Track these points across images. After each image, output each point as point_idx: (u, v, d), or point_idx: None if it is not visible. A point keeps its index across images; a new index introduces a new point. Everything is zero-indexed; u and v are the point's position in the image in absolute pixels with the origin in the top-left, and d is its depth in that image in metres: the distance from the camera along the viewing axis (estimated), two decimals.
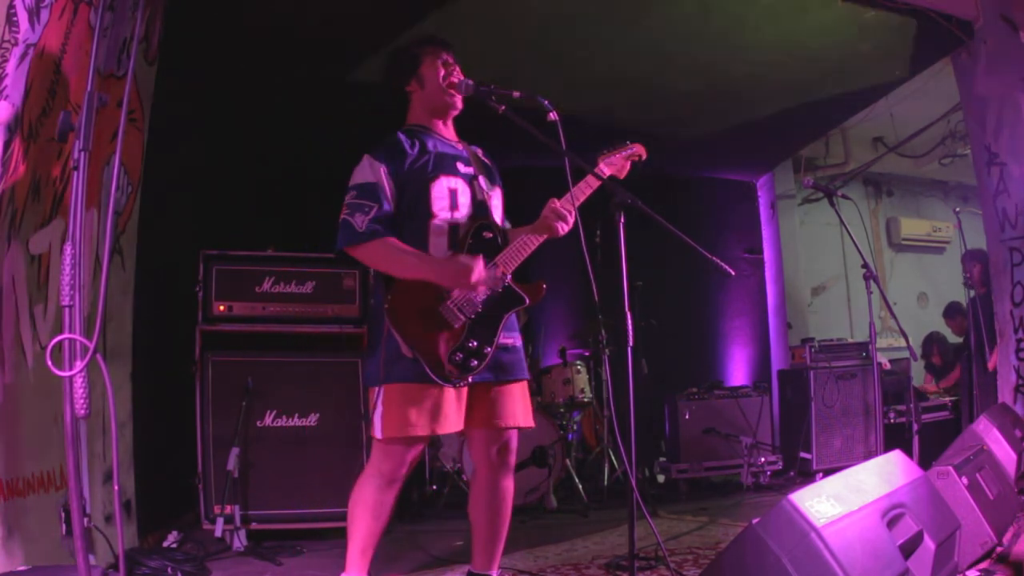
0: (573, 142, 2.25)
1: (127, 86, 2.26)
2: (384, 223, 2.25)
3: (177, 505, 3.84)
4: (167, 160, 3.57)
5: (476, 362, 2.26)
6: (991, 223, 4.48)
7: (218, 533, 3.37)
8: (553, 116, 2.27)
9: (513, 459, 2.46)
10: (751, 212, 7.09)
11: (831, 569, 1.84)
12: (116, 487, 2.83)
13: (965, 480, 2.71)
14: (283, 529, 3.54)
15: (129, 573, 2.72)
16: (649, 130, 5.55)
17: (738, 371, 6.69)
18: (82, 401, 1.67)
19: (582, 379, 4.86)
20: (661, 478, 5.31)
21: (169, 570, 2.84)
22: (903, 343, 3.73)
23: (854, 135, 6.92)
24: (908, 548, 2.12)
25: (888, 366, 5.61)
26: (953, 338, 6.34)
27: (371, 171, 2.28)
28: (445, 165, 2.37)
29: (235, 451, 3.40)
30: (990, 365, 4.65)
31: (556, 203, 2.39)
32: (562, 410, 4.86)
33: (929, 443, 4.06)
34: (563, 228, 2.37)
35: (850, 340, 5.57)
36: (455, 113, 2.48)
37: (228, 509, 3.38)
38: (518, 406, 2.39)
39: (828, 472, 3.95)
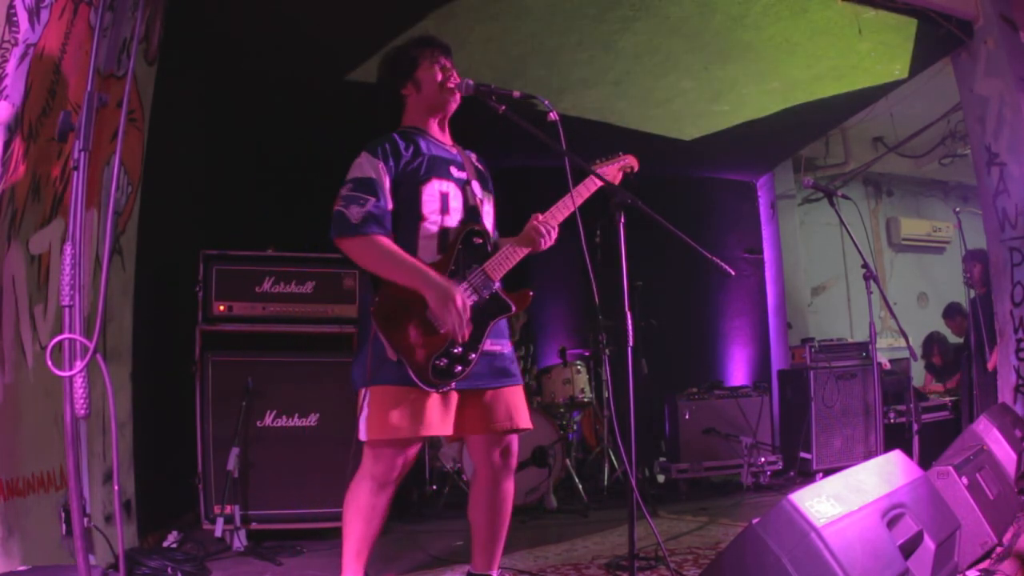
0: (573, 143, 2.25)
1: (127, 86, 2.26)
2: (379, 219, 2.23)
3: (177, 505, 3.84)
4: (167, 160, 3.57)
5: (460, 368, 2.25)
6: (991, 223, 4.48)
7: (218, 533, 3.37)
8: (553, 116, 2.27)
9: (515, 461, 2.45)
10: (751, 212, 7.09)
11: (831, 569, 1.84)
12: (116, 487, 2.83)
13: (965, 480, 2.71)
14: (283, 529, 3.54)
15: (129, 573, 2.72)
16: (649, 130, 5.57)
17: (738, 371, 6.69)
18: (82, 401, 1.67)
19: (582, 379, 4.86)
20: (661, 478, 5.31)
21: (169, 570, 2.84)
22: (903, 343, 3.73)
23: (854, 135, 6.92)
24: (908, 548, 2.12)
25: (888, 366, 5.61)
26: (953, 338, 6.34)
27: (370, 166, 2.27)
28: (438, 168, 2.36)
29: (235, 451, 3.40)
30: (990, 365, 4.65)
31: (539, 218, 2.40)
32: (562, 410, 4.86)
33: (929, 443, 4.06)
34: (545, 243, 2.38)
35: (850, 340, 5.57)
36: (452, 111, 2.47)
37: (228, 509, 3.38)
38: (516, 409, 2.39)
39: (828, 472, 3.95)
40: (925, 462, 2.89)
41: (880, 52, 4.64)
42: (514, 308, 2.37)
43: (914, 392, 5.02)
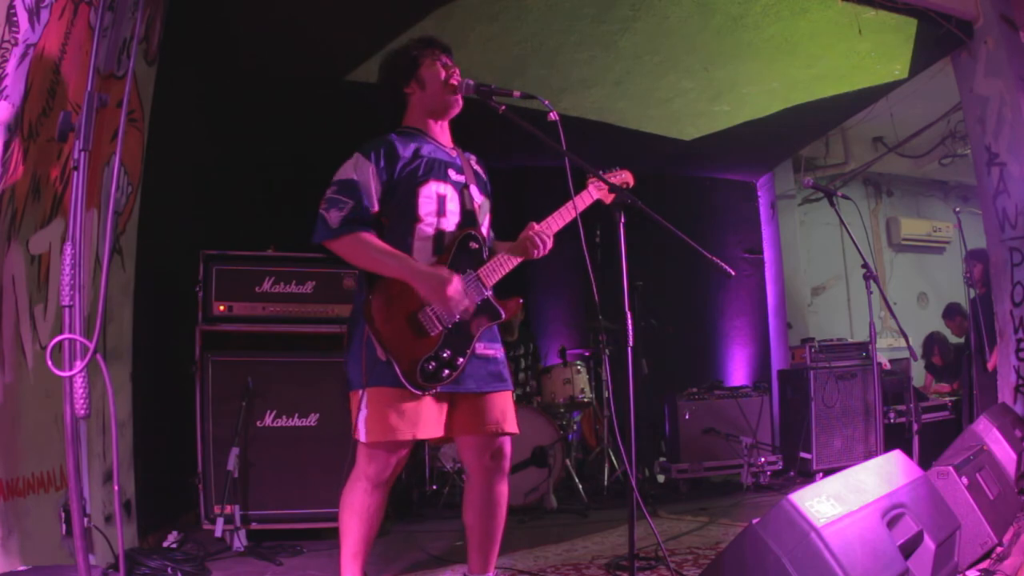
0: (573, 143, 2.25)
1: (127, 86, 2.26)
2: (358, 221, 2.24)
3: (177, 505, 3.84)
4: (167, 160, 3.57)
5: (448, 372, 2.25)
6: (991, 223, 4.48)
7: (218, 533, 3.37)
8: (553, 116, 2.27)
9: (507, 464, 2.46)
10: (751, 212, 7.10)
11: (831, 569, 1.84)
12: (116, 487, 2.82)
13: (965, 480, 2.71)
14: (283, 529, 3.54)
15: (129, 573, 2.72)
16: (649, 130, 5.57)
17: (738, 371, 6.69)
18: (82, 401, 1.67)
19: (582, 379, 4.86)
20: (661, 478, 5.31)
21: (169, 570, 2.84)
22: (903, 343, 3.73)
23: (854, 135, 6.93)
24: (908, 548, 2.12)
25: (888, 366, 5.61)
26: (953, 338, 6.34)
27: (355, 170, 2.28)
28: (436, 170, 2.35)
29: (235, 451, 3.40)
30: (990, 365, 4.65)
31: (535, 228, 2.40)
32: (562, 410, 4.86)
33: (929, 443, 4.06)
34: (539, 253, 2.39)
35: (850, 340, 5.57)
36: (454, 113, 2.47)
37: (228, 509, 3.38)
38: (505, 413, 2.39)
39: (828, 472, 3.96)
40: (925, 462, 2.89)
41: (880, 52, 4.64)
42: (504, 315, 2.37)
43: (914, 392, 5.02)
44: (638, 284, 4.58)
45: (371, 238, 2.25)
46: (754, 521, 2.00)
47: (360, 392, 2.25)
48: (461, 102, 2.44)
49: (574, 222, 2.43)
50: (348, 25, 3.98)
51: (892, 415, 5.02)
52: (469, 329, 2.31)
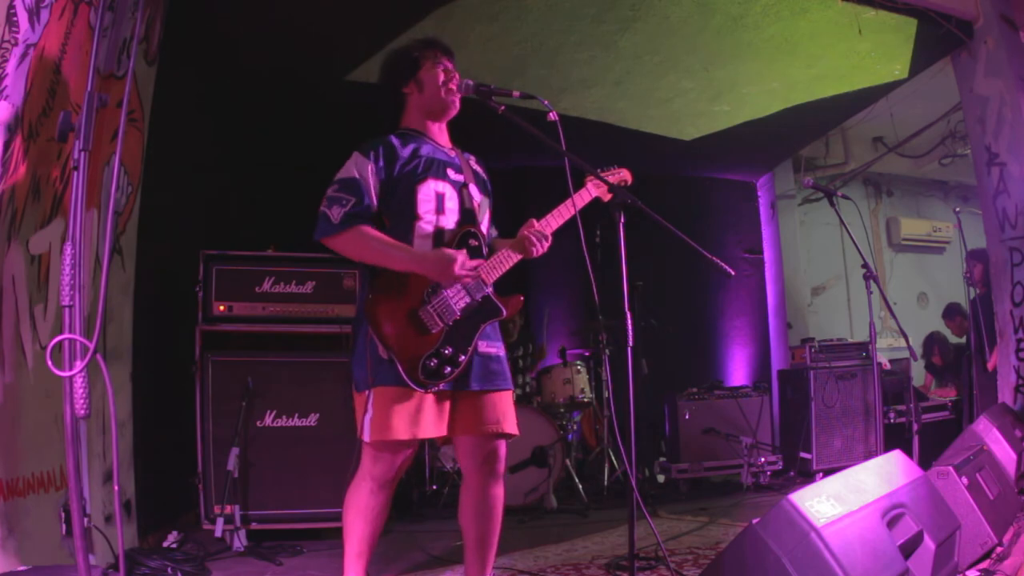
0: (573, 143, 2.25)
1: (127, 86, 2.26)
2: (360, 217, 2.25)
3: (177, 505, 3.84)
4: (167, 160, 3.57)
5: (450, 369, 2.26)
6: (991, 223, 4.48)
7: (218, 533, 3.37)
8: (553, 116, 2.27)
9: (502, 467, 2.45)
10: (751, 212, 7.10)
11: (831, 569, 1.84)
12: (116, 487, 2.83)
13: (965, 480, 2.71)
14: (283, 529, 3.54)
15: (129, 573, 2.72)
16: (649, 130, 5.57)
17: (738, 371, 6.69)
18: (82, 401, 1.67)
19: (582, 379, 4.86)
20: (661, 478, 5.31)
21: (169, 570, 2.84)
22: (903, 343, 3.73)
23: (854, 135, 6.92)
24: (908, 548, 2.12)
25: (888, 366, 5.61)
26: (953, 338, 6.34)
27: (356, 168, 2.29)
28: (435, 169, 2.36)
29: (235, 451, 3.40)
30: (990, 365, 4.65)
31: (535, 225, 2.40)
32: (562, 410, 4.86)
33: (929, 443, 4.06)
34: (538, 251, 2.38)
35: (850, 340, 5.57)
36: (452, 116, 2.48)
37: (228, 509, 3.38)
38: (504, 414, 2.39)
39: (828, 472, 3.96)
40: (925, 462, 2.89)
41: (880, 52, 4.64)
42: (505, 312, 2.37)
43: (914, 392, 5.02)
44: (638, 284, 4.58)
45: (373, 231, 2.26)
46: (754, 521, 2.00)
47: (367, 393, 2.25)
48: (458, 105, 2.45)
49: (574, 223, 2.43)
50: (348, 25, 3.98)
51: (892, 415, 5.02)
52: (470, 326, 2.31)
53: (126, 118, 3.00)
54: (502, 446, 2.43)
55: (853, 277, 7.12)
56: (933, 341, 6.40)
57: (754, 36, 4.38)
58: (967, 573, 2.54)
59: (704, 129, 5.67)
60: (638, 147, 5.74)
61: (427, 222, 2.32)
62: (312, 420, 3.60)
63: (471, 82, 2.39)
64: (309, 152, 5.02)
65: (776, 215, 6.98)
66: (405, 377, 2.19)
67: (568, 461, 4.54)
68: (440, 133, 2.48)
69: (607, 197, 2.45)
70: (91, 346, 1.64)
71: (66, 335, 1.66)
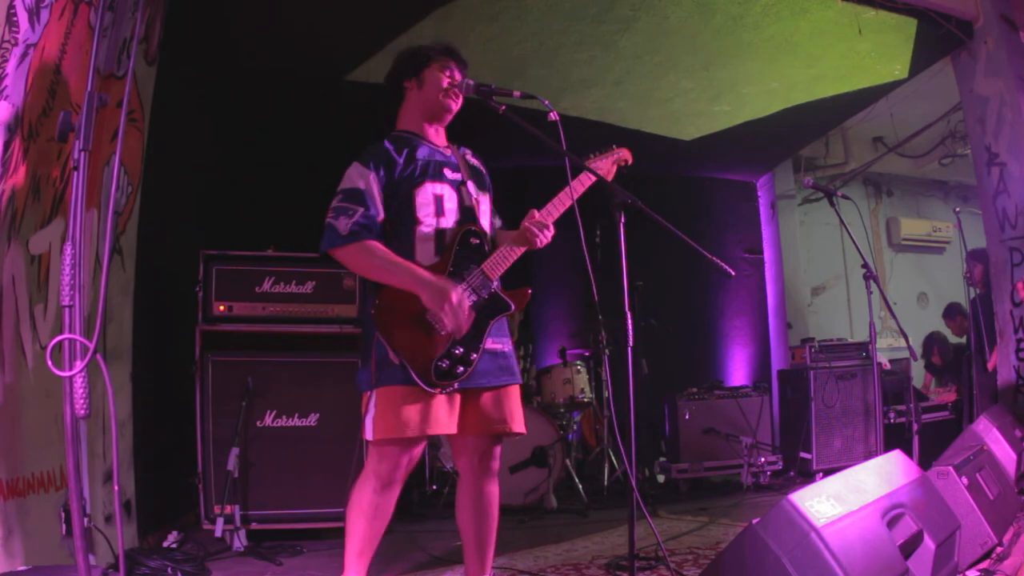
0: (573, 143, 2.25)
1: (127, 86, 2.26)
2: (367, 227, 2.26)
3: (177, 505, 3.84)
4: (167, 160, 3.57)
5: (462, 368, 2.26)
6: (991, 223, 4.48)
7: (218, 533, 3.37)
8: (553, 116, 2.27)
9: (497, 465, 2.46)
10: (751, 212, 7.09)
11: (831, 569, 1.84)
12: (116, 487, 2.83)
13: (965, 480, 2.71)
14: (283, 529, 3.54)
15: (129, 573, 2.72)
16: (649, 130, 5.57)
17: (738, 371, 6.69)
18: (82, 401, 1.67)
19: (582, 379, 4.86)
20: (661, 478, 5.31)
21: (169, 570, 2.84)
22: (903, 343, 3.73)
23: (854, 135, 6.93)
24: (908, 548, 2.12)
25: (888, 366, 5.61)
26: (953, 338, 6.34)
27: (359, 177, 2.29)
28: (432, 171, 2.36)
29: (235, 451, 3.40)
30: (990, 365, 4.66)
31: (536, 215, 2.39)
32: (562, 410, 4.86)
33: (929, 443, 4.06)
34: (542, 240, 2.37)
35: (850, 340, 5.57)
36: (447, 120, 2.48)
37: (228, 509, 3.38)
38: (510, 412, 2.39)
39: (828, 472, 3.95)
40: (925, 462, 2.89)
41: (880, 52, 4.64)
42: (513, 307, 2.38)
43: (914, 392, 5.02)
44: (638, 284, 4.58)
45: (377, 246, 2.27)
46: (754, 521, 2.00)
47: (369, 393, 2.26)
48: (454, 112, 2.45)
49: (575, 223, 2.43)
50: (348, 25, 3.98)
51: (892, 415, 5.02)
52: (479, 324, 2.31)
53: (126, 118, 3.00)
54: (498, 446, 2.44)
55: (853, 277, 7.12)
56: (933, 341, 6.40)
57: (754, 36, 4.38)
58: (967, 573, 2.53)
59: (704, 129, 5.67)
60: (638, 147, 5.64)
61: (427, 225, 2.33)
62: (312, 420, 3.60)
63: (471, 82, 2.39)
64: (309, 152, 5.03)
65: (776, 215, 6.98)
66: (418, 380, 2.20)
67: (568, 461, 4.55)
68: (437, 135, 2.49)
69: (610, 177, 2.46)
70: (91, 346, 1.64)
71: (66, 335, 1.66)
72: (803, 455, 5.08)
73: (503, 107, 2.33)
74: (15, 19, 2.14)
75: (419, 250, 2.32)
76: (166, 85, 3.47)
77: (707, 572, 2.28)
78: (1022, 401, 4.23)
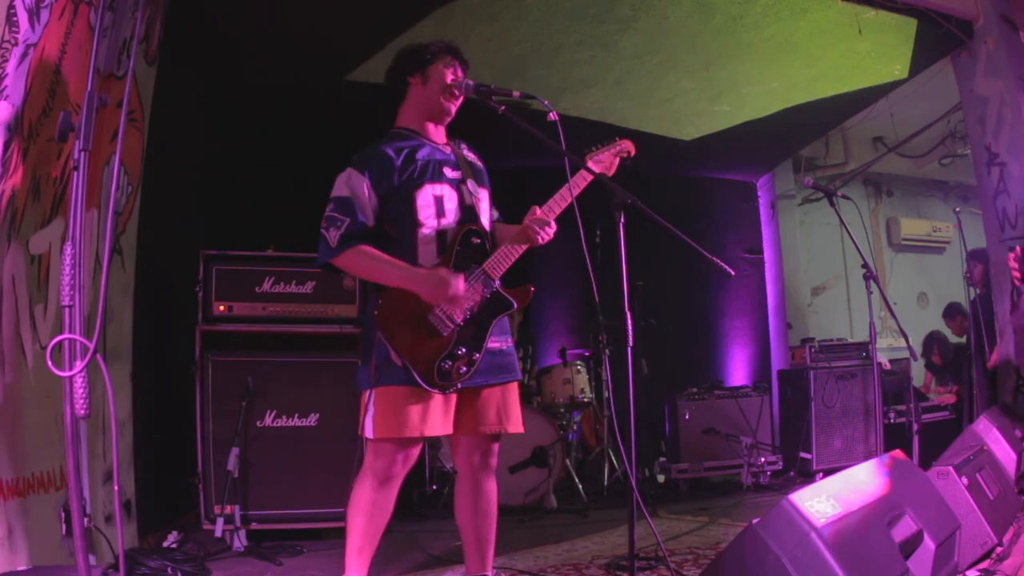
0: (573, 143, 2.25)
1: (127, 86, 2.26)
2: (356, 235, 2.27)
3: (177, 505, 3.84)
4: (167, 160, 3.57)
5: (465, 369, 2.27)
6: (991, 223, 4.48)
7: (218, 533, 3.37)
8: (553, 116, 2.27)
9: (495, 461, 2.46)
10: (751, 212, 7.09)
11: (831, 569, 1.84)
12: (116, 487, 2.83)
13: (965, 480, 2.71)
14: (283, 529, 3.54)
15: (129, 573, 2.72)
16: (649, 130, 5.57)
17: (738, 371, 6.69)
18: (82, 401, 1.67)
19: (582, 379, 4.85)
20: (661, 478, 5.31)
21: (169, 570, 2.84)
22: (903, 343, 3.73)
23: (854, 135, 6.92)
24: (908, 548, 2.12)
25: (888, 366, 5.61)
26: (953, 338, 6.34)
27: (347, 186, 2.30)
28: (431, 172, 2.36)
29: (235, 451, 3.40)
30: (990, 365, 4.65)
31: (537, 212, 2.39)
32: (562, 410, 4.86)
33: (929, 443, 4.06)
34: (543, 238, 2.36)
35: (850, 340, 5.57)
36: (446, 120, 2.48)
37: (228, 509, 3.38)
38: (507, 411, 2.39)
39: (828, 472, 3.95)
40: (925, 462, 2.89)
41: (880, 52, 4.64)
42: (516, 305, 2.38)
43: (914, 392, 5.02)
44: (638, 284, 4.58)
45: (370, 249, 2.27)
46: (754, 521, 2.00)
47: (368, 392, 2.26)
48: (453, 113, 2.45)
49: (575, 223, 2.43)
50: (348, 25, 3.98)
51: (892, 415, 5.02)
52: (482, 323, 2.32)
53: (126, 118, 3.00)
54: (496, 444, 2.44)
55: (853, 277, 7.12)
56: (933, 341, 6.39)
57: (754, 36, 4.38)
58: (967, 573, 2.53)
59: (704, 129, 5.67)
60: (638, 147, 5.68)
61: (428, 227, 2.33)
62: (312, 420, 3.60)
63: (471, 82, 2.39)
64: (309, 152, 5.03)
65: (776, 215, 6.97)
66: (421, 381, 2.20)
67: (568, 461, 4.54)
68: (436, 132, 2.48)
69: (612, 169, 2.45)
70: (91, 346, 1.64)
71: (66, 335, 1.66)
72: (803, 455, 5.08)
73: (503, 107, 2.33)
74: (15, 19, 2.14)
75: (421, 251, 2.32)
76: (166, 85, 3.47)
77: (707, 572, 2.28)
78: (1022, 401, 4.23)
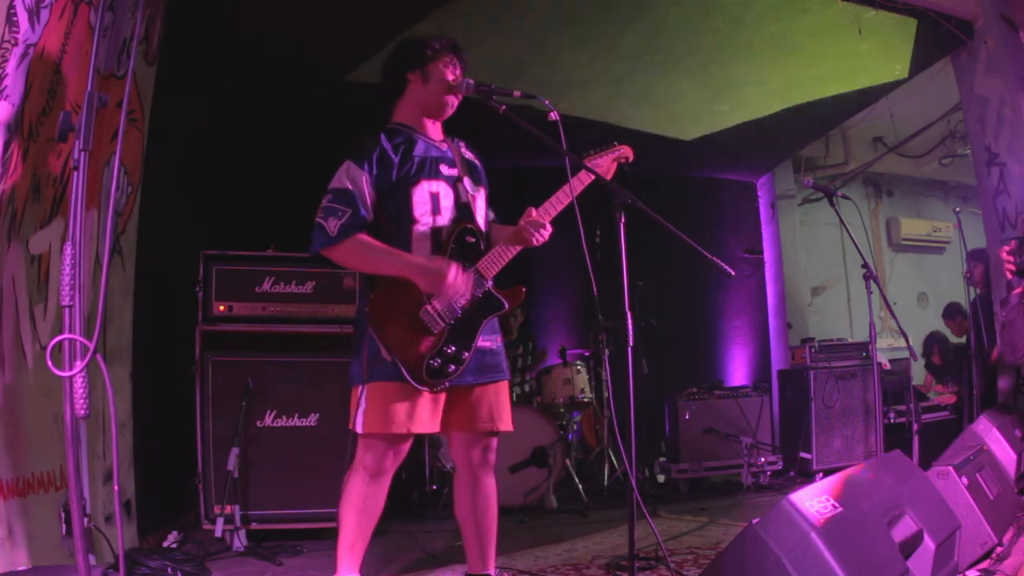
0: (573, 143, 2.25)
1: (127, 86, 2.26)
2: (356, 228, 2.26)
3: (177, 505, 3.84)
4: (167, 160, 3.57)
5: (454, 367, 2.27)
6: (991, 223, 4.48)
7: (218, 533, 3.37)
8: (553, 116, 2.27)
9: (493, 457, 2.46)
10: (751, 212, 7.10)
11: (831, 569, 1.84)
12: (116, 487, 2.83)
13: (965, 480, 2.71)
14: (283, 529, 3.54)
15: (129, 573, 2.72)
16: (649, 130, 5.57)
17: (738, 371, 6.69)
18: (82, 401, 1.67)
19: (582, 379, 4.85)
20: (661, 478, 5.31)
21: (169, 570, 2.84)
22: (903, 343, 3.73)
23: (854, 135, 6.93)
24: (908, 548, 2.12)
25: (888, 366, 5.61)
26: (953, 338, 6.34)
27: (348, 178, 2.29)
28: (428, 169, 2.35)
29: (235, 451, 3.40)
30: (994, 356, 4.65)
31: (533, 213, 2.38)
32: (562, 410, 4.86)
33: (929, 443, 4.06)
34: (538, 239, 2.35)
35: (850, 340, 5.57)
36: (444, 118, 2.47)
37: (228, 509, 3.38)
38: (498, 409, 2.40)
39: (828, 472, 3.96)
40: (925, 462, 2.89)
41: (880, 52, 4.64)
42: (507, 305, 2.37)
43: (914, 392, 5.02)
44: (638, 284, 4.58)
45: (368, 239, 2.27)
46: (754, 521, 2.00)
47: (360, 388, 2.27)
48: (454, 107, 2.44)
49: (575, 222, 2.42)
50: (348, 25, 3.98)
51: (892, 415, 5.02)
52: (472, 322, 2.32)
53: (126, 118, 3.00)
54: (494, 439, 2.44)
55: (853, 277, 7.12)
56: (933, 341, 6.39)
57: (754, 36, 4.38)
58: (967, 573, 2.53)
59: (704, 129, 5.67)
60: (638, 147, 5.65)
61: (423, 224, 2.33)
62: (312, 420, 3.60)
63: (471, 82, 2.38)
64: (309, 152, 5.02)
65: (776, 215, 6.98)
66: (409, 378, 2.20)
67: (568, 461, 4.54)
68: (434, 128, 2.47)
69: (610, 174, 2.45)
70: (91, 346, 1.64)
71: (66, 335, 1.66)
72: (803, 455, 5.08)
73: (503, 107, 2.33)
74: (15, 19, 2.14)
75: (416, 248, 2.32)
76: (166, 85, 3.46)
77: (707, 572, 2.28)
78: (1022, 401, 4.23)
